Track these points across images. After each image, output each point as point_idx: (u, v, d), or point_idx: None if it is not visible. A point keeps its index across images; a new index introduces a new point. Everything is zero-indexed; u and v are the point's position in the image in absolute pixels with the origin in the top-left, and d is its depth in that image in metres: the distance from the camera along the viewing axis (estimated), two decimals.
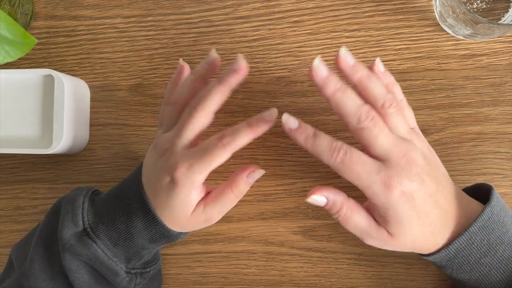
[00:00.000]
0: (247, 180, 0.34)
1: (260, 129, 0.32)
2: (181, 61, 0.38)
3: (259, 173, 0.34)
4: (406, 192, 0.30)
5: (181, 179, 0.31)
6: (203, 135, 0.34)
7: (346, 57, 0.31)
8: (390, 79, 0.35)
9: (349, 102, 0.30)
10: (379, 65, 0.34)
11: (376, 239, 0.32)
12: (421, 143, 0.32)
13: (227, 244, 0.42)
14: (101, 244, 0.34)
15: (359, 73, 0.31)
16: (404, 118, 0.32)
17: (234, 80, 0.32)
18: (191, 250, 0.43)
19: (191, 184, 0.32)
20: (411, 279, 0.40)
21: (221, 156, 0.31)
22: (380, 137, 0.29)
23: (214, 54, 0.34)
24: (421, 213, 0.30)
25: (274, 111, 0.32)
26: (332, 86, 0.30)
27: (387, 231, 0.31)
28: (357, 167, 0.29)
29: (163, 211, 0.33)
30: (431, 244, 0.32)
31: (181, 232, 0.35)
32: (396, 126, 0.31)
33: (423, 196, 0.30)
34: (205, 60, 0.35)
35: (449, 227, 0.32)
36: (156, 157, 0.34)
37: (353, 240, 0.41)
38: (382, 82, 0.32)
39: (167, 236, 0.35)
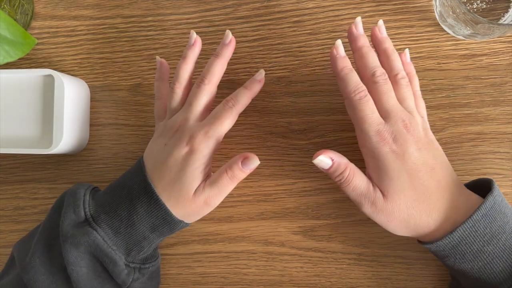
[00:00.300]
0: (241, 167, 0.35)
1: (254, 88, 0.38)
2: (158, 58, 0.41)
3: (253, 162, 0.35)
4: (396, 151, 0.32)
5: (199, 145, 0.34)
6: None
7: (381, 29, 0.37)
8: (412, 70, 0.38)
9: (371, 57, 0.35)
10: (407, 55, 0.38)
11: (373, 202, 0.33)
12: (425, 125, 0.35)
13: (227, 244, 0.42)
14: (101, 232, 0.35)
15: (387, 44, 0.36)
16: (411, 93, 0.35)
17: (228, 52, 0.38)
18: (191, 250, 0.43)
19: (207, 151, 0.35)
20: (411, 279, 0.40)
21: (230, 117, 0.36)
22: (387, 95, 0.34)
23: (194, 35, 0.38)
24: (412, 176, 0.32)
25: (262, 72, 0.38)
26: (362, 41, 0.35)
27: (380, 190, 0.33)
28: (367, 110, 0.33)
29: (168, 194, 0.35)
30: (426, 222, 0.32)
31: (182, 221, 0.36)
32: (404, 97, 0.34)
33: (416, 161, 0.32)
34: (189, 44, 0.38)
35: (448, 211, 0.32)
36: (166, 139, 0.36)
37: (353, 240, 0.41)
38: (400, 61, 0.36)
39: (168, 221, 0.35)
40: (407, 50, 0.38)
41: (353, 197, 0.34)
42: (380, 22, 0.36)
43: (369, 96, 0.33)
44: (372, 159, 0.33)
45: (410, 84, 0.36)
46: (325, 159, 0.34)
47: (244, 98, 0.37)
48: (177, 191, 0.35)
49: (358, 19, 0.36)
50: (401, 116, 0.33)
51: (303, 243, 0.41)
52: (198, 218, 0.37)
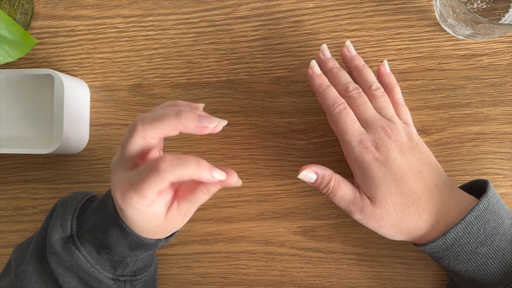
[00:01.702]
0: (216, 184, 0.29)
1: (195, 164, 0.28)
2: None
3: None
4: (379, 158, 0.33)
5: (122, 204, 0.29)
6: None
7: (349, 48, 0.38)
8: (392, 79, 0.38)
9: (342, 75, 0.36)
10: (386, 66, 0.39)
11: (361, 209, 0.34)
12: (408, 130, 0.35)
13: (227, 244, 0.42)
14: (84, 252, 0.33)
15: (357, 61, 0.38)
16: (389, 102, 0.36)
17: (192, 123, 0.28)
18: (191, 250, 0.43)
19: (147, 202, 0.28)
20: (411, 279, 0.40)
21: (157, 183, 0.27)
22: (363, 106, 0.35)
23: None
24: (398, 181, 0.33)
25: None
26: (331, 64, 0.37)
27: (368, 197, 0.34)
28: (348, 122, 0.34)
29: (131, 224, 0.31)
30: (417, 224, 0.33)
31: (160, 240, 0.34)
32: (381, 107, 0.35)
33: (401, 166, 0.33)
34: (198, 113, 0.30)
35: (439, 213, 0.32)
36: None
37: (353, 241, 0.41)
38: (372, 74, 0.37)
39: (144, 245, 0.33)
40: (385, 61, 0.38)
41: (342, 206, 0.35)
42: (348, 42, 0.39)
43: (348, 108, 0.34)
44: (358, 168, 0.34)
45: (391, 92, 0.37)
46: (309, 174, 0.35)
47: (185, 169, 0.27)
48: (140, 226, 0.31)
49: (324, 46, 0.38)
50: (380, 124, 0.34)
51: (303, 243, 0.41)
52: (177, 229, 0.34)
